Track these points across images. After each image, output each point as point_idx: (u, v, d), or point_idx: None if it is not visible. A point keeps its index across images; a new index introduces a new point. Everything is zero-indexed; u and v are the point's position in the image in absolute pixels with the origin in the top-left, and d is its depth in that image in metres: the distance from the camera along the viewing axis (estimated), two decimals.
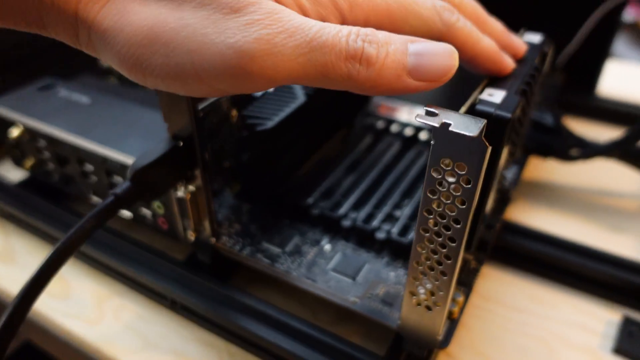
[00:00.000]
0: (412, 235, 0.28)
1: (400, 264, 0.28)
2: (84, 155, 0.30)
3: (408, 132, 0.39)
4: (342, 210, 0.31)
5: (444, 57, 0.18)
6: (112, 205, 0.22)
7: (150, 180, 0.24)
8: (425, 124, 0.17)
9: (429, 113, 0.17)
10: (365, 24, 0.19)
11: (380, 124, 0.40)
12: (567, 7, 0.45)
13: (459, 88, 0.28)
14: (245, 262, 0.28)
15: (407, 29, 0.20)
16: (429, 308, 0.22)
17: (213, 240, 0.28)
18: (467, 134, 0.16)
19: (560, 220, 0.36)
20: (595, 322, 0.29)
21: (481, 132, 0.16)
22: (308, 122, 0.33)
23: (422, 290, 0.22)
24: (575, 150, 0.36)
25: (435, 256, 0.20)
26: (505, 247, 0.32)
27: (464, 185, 0.18)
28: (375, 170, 0.35)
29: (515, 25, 0.28)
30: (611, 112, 0.47)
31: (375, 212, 0.31)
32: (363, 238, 0.29)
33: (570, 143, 0.36)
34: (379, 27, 0.19)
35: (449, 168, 0.18)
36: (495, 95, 0.21)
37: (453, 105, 0.19)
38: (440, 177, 0.18)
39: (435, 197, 0.19)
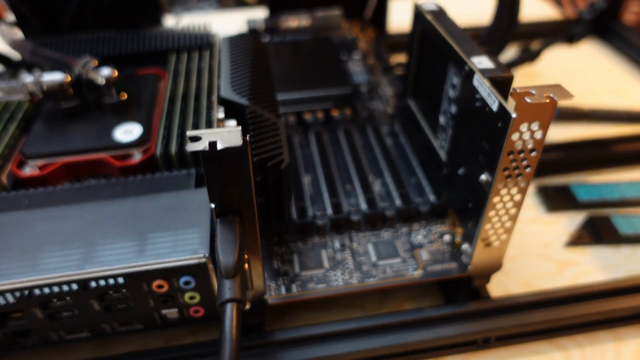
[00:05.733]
0: (418, 199, 0.32)
1: (420, 226, 0.31)
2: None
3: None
4: (345, 208, 0.32)
5: None
6: (238, 312, 0.19)
7: (242, 266, 0.21)
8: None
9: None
10: None
11: None
12: None
13: None
14: (301, 299, 0.28)
15: None
16: (495, 242, 0.27)
17: (267, 297, 0.27)
18: None
19: None
20: None
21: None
22: None
23: (491, 232, 0.26)
24: None
25: (510, 191, 0.24)
26: None
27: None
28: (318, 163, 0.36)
29: None
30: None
31: (362, 195, 0.33)
32: (373, 221, 0.32)
33: None
34: None
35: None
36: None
37: None
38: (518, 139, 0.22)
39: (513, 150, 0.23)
